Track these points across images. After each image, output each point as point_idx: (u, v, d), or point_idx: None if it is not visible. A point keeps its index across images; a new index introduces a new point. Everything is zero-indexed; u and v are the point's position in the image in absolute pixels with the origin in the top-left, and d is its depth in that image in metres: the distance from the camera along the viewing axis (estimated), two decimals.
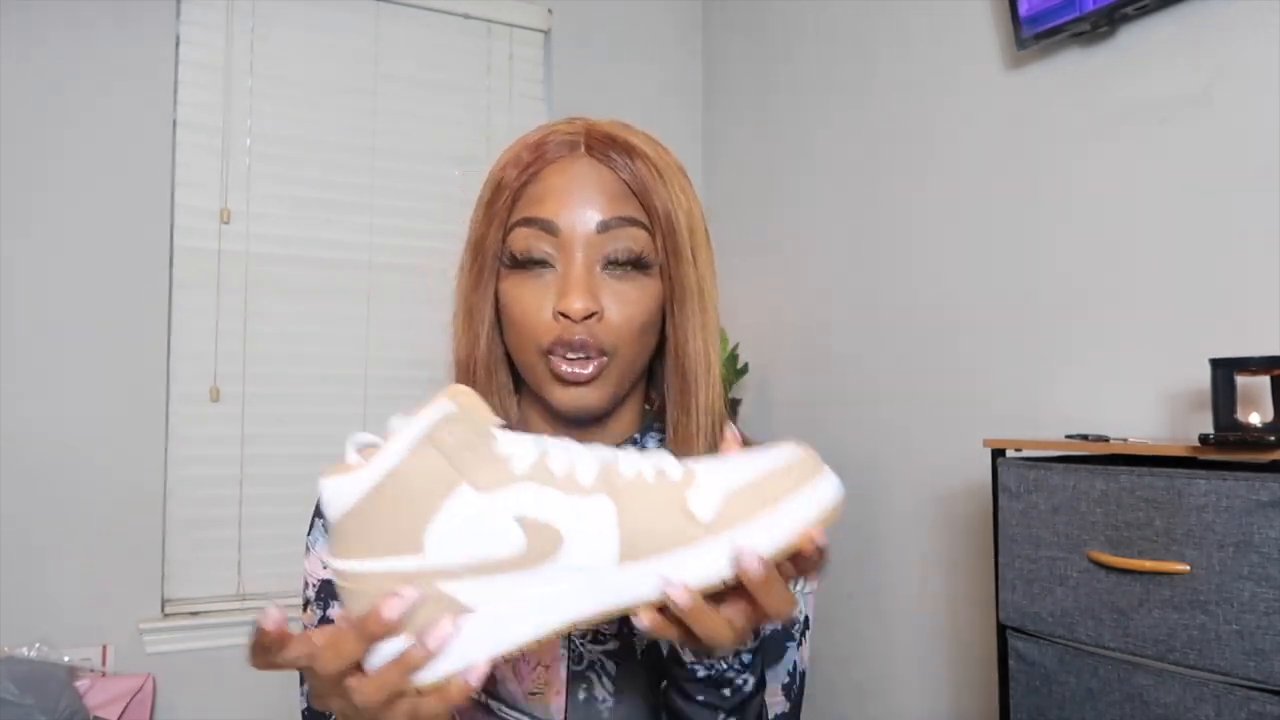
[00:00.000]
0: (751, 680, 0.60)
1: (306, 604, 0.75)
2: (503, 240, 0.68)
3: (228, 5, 2.14)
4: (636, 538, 0.47)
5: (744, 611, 0.49)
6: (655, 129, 0.73)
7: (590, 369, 0.65)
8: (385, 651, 0.48)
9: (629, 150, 0.67)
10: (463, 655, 0.48)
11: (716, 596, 0.49)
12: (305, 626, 0.73)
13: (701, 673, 0.58)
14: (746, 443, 0.65)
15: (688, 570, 0.47)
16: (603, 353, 0.66)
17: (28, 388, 1.90)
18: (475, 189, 0.71)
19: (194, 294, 2.08)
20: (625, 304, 0.66)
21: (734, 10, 2.56)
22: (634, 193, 0.67)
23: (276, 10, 2.19)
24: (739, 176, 2.49)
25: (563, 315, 0.64)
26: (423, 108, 2.34)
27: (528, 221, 0.66)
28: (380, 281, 2.26)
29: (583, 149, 0.68)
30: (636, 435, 0.74)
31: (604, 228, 0.66)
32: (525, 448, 0.50)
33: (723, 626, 0.49)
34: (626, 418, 0.74)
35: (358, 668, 0.49)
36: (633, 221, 0.66)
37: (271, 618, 0.47)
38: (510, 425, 0.59)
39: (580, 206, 0.66)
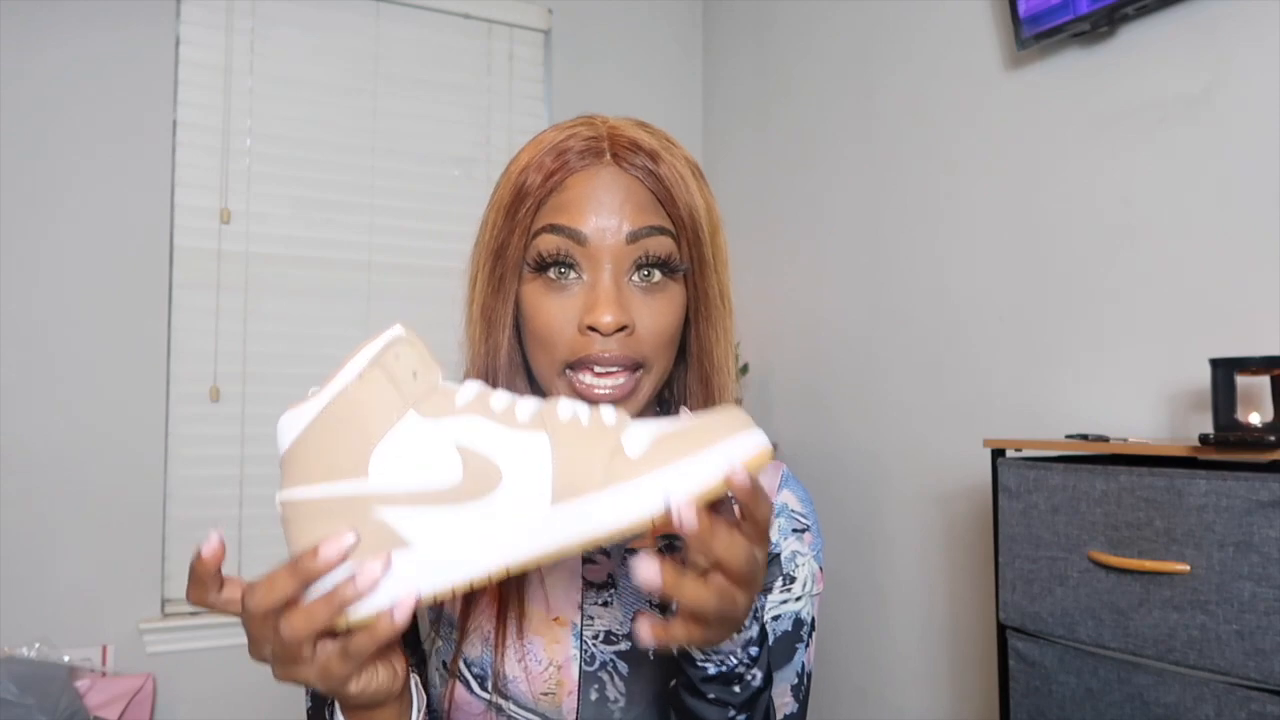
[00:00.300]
0: (760, 675, 0.60)
1: None
2: (525, 246, 0.67)
3: (228, 5, 2.14)
4: (569, 477, 0.47)
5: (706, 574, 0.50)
6: None
7: (624, 381, 0.64)
8: (319, 587, 0.48)
9: (653, 156, 0.67)
10: (393, 594, 0.48)
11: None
12: None
13: (712, 670, 0.58)
14: None
15: (618, 510, 0.47)
16: (638, 366, 0.65)
17: (28, 387, 1.90)
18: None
19: (194, 294, 2.09)
20: (655, 315, 0.66)
21: (734, 10, 2.56)
22: (659, 200, 0.67)
23: (276, 10, 2.19)
24: (739, 176, 2.49)
25: (591, 329, 0.63)
26: (423, 108, 2.33)
27: (554, 229, 0.65)
28: (380, 281, 2.26)
29: (608, 157, 0.67)
30: None
31: (633, 238, 0.65)
32: (465, 385, 0.51)
33: (702, 590, 0.49)
34: None
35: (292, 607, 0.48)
36: (660, 230, 0.66)
37: (209, 544, 0.48)
38: None
39: (608, 216, 0.65)
